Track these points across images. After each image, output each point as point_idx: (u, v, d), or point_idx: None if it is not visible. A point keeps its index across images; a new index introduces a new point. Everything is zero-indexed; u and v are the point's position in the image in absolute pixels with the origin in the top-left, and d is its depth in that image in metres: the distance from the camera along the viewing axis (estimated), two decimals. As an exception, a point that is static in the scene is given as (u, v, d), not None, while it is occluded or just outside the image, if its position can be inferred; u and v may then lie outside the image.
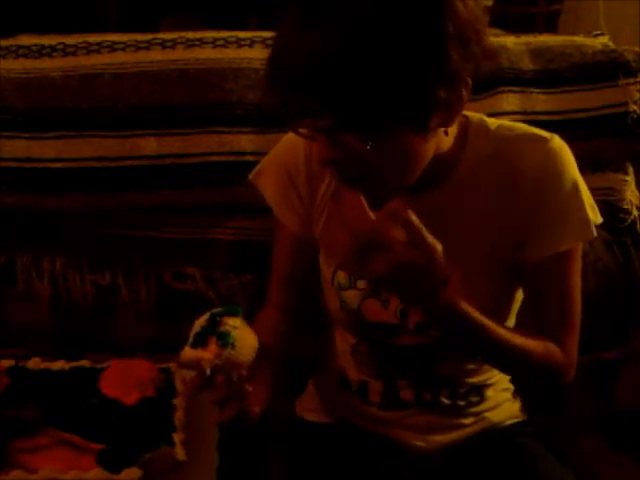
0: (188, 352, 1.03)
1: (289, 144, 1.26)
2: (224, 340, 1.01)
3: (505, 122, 1.20)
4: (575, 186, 1.15)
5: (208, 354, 1.01)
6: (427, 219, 1.17)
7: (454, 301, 1.05)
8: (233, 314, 1.04)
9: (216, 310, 1.05)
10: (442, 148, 1.12)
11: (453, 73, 0.99)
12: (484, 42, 1.02)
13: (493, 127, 1.17)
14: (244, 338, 1.03)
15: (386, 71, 0.95)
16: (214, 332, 1.02)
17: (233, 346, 1.01)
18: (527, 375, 1.23)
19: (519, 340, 1.14)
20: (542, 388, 1.31)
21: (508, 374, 1.30)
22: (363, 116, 0.97)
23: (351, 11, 0.95)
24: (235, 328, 1.02)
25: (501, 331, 1.12)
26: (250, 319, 1.34)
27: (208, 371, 1.01)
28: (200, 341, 1.02)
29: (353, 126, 0.99)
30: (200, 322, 1.04)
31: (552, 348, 1.18)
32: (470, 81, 1.02)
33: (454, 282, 1.03)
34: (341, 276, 1.24)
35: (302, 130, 1.06)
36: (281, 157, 1.27)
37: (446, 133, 1.09)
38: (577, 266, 1.20)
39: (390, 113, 0.98)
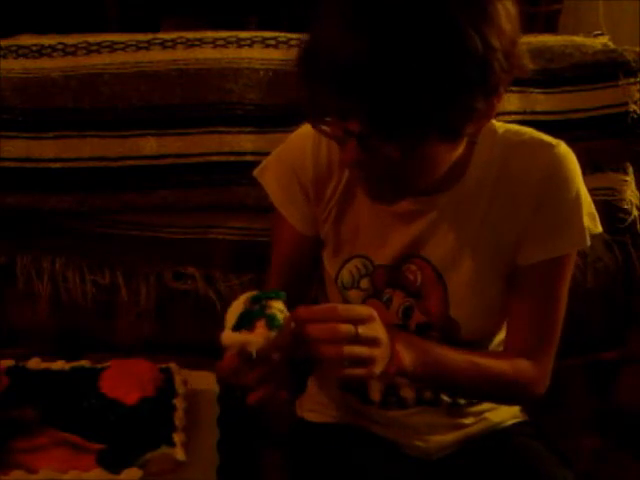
0: (232, 335, 1.00)
1: (296, 143, 1.26)
2: (273, 323, 0.99)
3: (513, 126, 1.20)
4: (577, 194, 1.16)
5: (255, 337, 0.98)
6: (438, 221, 1.18)
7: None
8: (277, 297, 1.02)
9: (257, 293, 1.03)
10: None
11: (494, 86, 0.99)
12: (518, 52, 1.02)
13: (501, 131, 1.18)
14: (288, 323, 1.01)
15: (432, 80, 0.94)
16: (262, 314, 1.00)
17: (280, 329, 0.99)
18: (498, 395, 1.25)
19: (486, 363, 1.18)
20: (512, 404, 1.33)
21: (481, 398, 1.29)
22: (402, 123, 0.97)
23: (403, 18, 0.94)
24: (281, 312, 1.01)
25: (476, 360, 1.16)
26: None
27: (254, 354, 0.98)
28: (245, 323, 0.99)
29: (389, 132, 0.98)
30: (240, 305, 1.02)
31: (521, 365, 1.19)
32: (503, 93, 1.02)
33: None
34: (345, 275, 1.24)
35: (326, 128, 1.05)
36: (288, 155, 1.27)
37: (474, 140, 1.10)
38: (567, 277, 1.20)
39: (429, 122, 0.97)
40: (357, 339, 0.99)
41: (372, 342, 1.01)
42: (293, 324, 1.01)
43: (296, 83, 1.02)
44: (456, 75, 0.95)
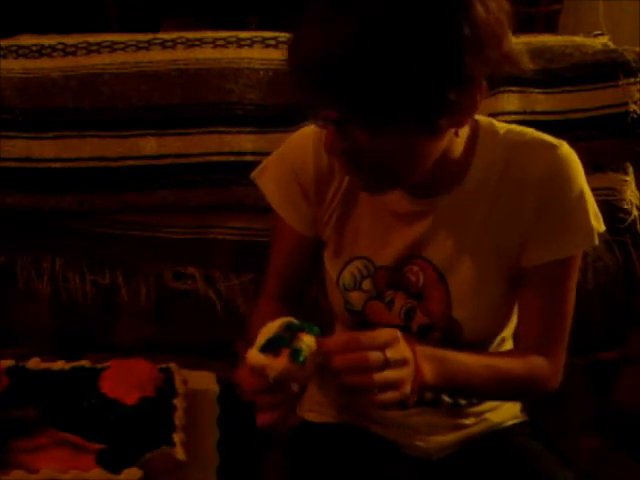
0: (257, 356, 1.01)
1: (297, 143, 1.26)
2: (297, 357, 1.00)
3: (515, 127, 1.20)
4: (581, 194, 1.15)
5: (277, 364, 1.00)
6: (439, 222, 1.18)
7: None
8: (310, 332, 1.02)
9: (294, 322, 1.03)
10: (454, 152, 1.12)
11: (466, 76, 0.99)
12: (504, 46, 1.02)
13: (502, 131, 1.17)
14: (314, 358, 1.02)
15: (398, 69, 0.95)
16: (289, 345, 1.01)
17: (303, 364, 1.00)
18: (515, 394, 1.26)
19: (502, 365, 1.18)
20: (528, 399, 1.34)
21: (498, 399, 1.30)
22: (372, 112, 0.98)
23: (369, 9, 0.96)
24: (309, 347, 1.01)
25: (486, 362, 1.16)
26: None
27: (271, 380, 1.00)
28: (272, 348, 1.01)
29: (361, 120, 1.00)
30: (273, 328, 1.03)
31: (536, 363, 1.20)
32: (485, 85, 1.02)
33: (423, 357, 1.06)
34: (347, 277, 1.24)
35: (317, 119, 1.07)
36: (288, 156, 1.27)
37: (457, 134, 1.10)
38: (575, 275, 1.20)
39: (398, 112, 0.99)
40: (387, 364, 0.99)
41: (401, 364, 1.01)
42: (320, 358, 1.01)
43: (288, 80, 1.04)
44: (421, 65, 0.96)
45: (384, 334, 1.02)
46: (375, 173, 1.08)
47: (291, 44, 1.03)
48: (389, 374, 0.99)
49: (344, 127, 1.03)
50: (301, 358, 0.99)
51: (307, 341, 1.01)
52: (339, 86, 0.97)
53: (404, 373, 1.01)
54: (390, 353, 1.00)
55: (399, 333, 1.02)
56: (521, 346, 1.23)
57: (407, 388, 1.02)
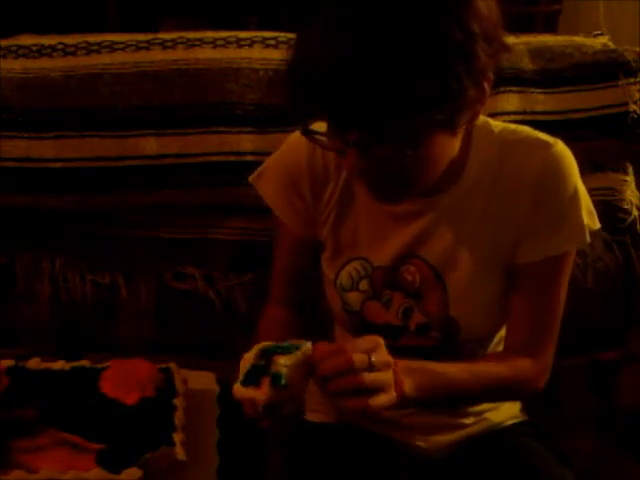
0: (241, 390, 1.02)
1: (292, 147, 1.26)
2: (277, 381, 1.00)
3: (509, 125, 1.21)
4: (575, 192, 1.16)
5: (261, 394, 1.01)
6: (436, 221, 1.18)
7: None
8: (286, 352, 1.03)
9: (266, 346, 1.04)
10: (452, 151, 1.12)
11: (480, 71, 1.00)
12: (502, 36, 1.04)
13: (497, 130, 1.18)
14: (297, 374, 1.02)
15: (420, 75, 0.95)
16: (267, 372, 1.01)
17: (285, 385, 1.01)
18: (500, 397, 1.27)
19: (485, 369, 1.18)
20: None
21: (481, 403, 1.30)
22: (400, 124, 0.98)
23: (380, 16, 0.95)
24: (286, 367, 1.01)
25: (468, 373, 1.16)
26: (251, 318, 1.35)
27: (260, 409, 1.01)
28: (251, 379, 1.02)
29: (390, 136, 0.99)
30: (249, 358, 1.03)
31: (521, 364, 1.20)
32: (492, 77, 1.03)
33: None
34: (344, 278, 1.24)
35: (321, 138, 1.05)
36: (284, 160, 1.27)
37: (469, 142, 1.11)
38: (566, 273, 1.21)
39: (425, 118, 0.98)
40: (372, 367, 1.00)
41: (386, 367, 1.02)
42: (308, 370, 1.02)
43: (285, 95, 1.03)
44: (441, 67, 0.96)
45: (367, 340, 1.03)
46: (395, 184, 1.08)
47: (295, 69, 1.01)
48: (377, 375, 1.00)
49: (366, 145, 1.01)
50: (282, 382, 1.00)
51: (282, 362, 1.01)
52: (367, 102, 0.95)
53: (389, 376, 1.02)
54: (374, 356, 1.00)
55: (381, 340, 1.03)
56: (508, 346, 1.23)
57: (393, 392, 1.02)
